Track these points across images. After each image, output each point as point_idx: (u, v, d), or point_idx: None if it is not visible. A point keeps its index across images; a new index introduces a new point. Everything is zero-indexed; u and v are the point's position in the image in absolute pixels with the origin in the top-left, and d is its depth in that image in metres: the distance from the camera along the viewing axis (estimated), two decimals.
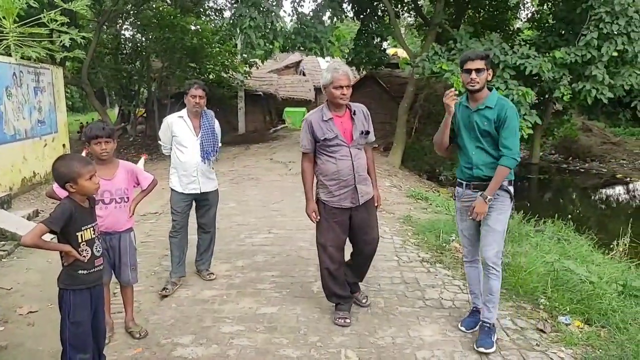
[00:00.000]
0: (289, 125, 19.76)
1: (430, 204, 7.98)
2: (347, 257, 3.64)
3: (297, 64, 25.39)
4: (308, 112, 3.77)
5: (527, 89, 9.65)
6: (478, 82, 2.97)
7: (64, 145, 9.05)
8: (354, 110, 3.38)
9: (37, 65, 8.24)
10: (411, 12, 16.64)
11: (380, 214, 6.59)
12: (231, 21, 10.72)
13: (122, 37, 17.71)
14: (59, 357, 2.47)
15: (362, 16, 14.77)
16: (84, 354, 2.40)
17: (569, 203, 12.65)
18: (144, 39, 17.19)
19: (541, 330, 3.31)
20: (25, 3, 8.18)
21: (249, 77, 17.81)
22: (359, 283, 3.80)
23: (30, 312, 3.58)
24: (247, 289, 4.03)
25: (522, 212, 6.57)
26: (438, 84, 13.20)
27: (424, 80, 11.96)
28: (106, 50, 16.32)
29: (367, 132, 3.41)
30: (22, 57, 7.73)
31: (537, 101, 11.30)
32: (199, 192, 4.00)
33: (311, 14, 12.11)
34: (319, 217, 3.42)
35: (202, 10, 15.97)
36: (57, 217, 2.28)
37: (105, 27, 14.81)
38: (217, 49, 16.54)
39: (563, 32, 11.61)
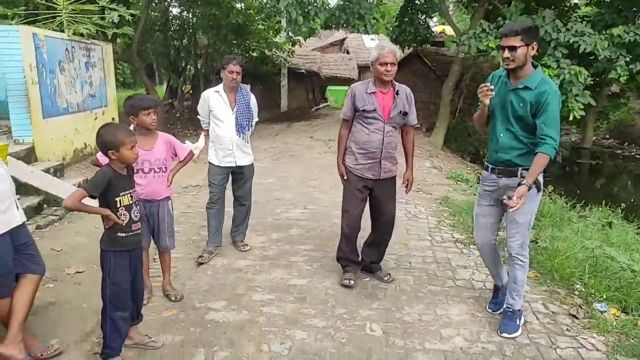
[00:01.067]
0: (331, 103, 19.65)
1: (471, 186, 7.81)
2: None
3: (342, 41, 25.09)
4: None
5: (580, 68, 9.16)
6: (513, 61, 2.74)
7: (113, 118, 9.41)
8: (398, 90, 3.50)
9: (88, 41, 8.56)
10: None
11: (417, 194, 6.57)
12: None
13: (170, 14, 18.04)
14: (100, 313, 2.64)
15: None
16: (123, 312, 2.56)
17: (622, 190, 12.05)
18: (190, 15, 17.45)
19: (574, 316, 3.25)
20: None
21: (292, 55, 17.80)
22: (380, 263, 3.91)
23: (77, 272, 3.84)
24: (280, 261, 4.14)
25: (567, 197, 6.36)
26: (485, 63, 12.74)
27: (470, 58, 11.55)
28: (155, 27, 16.68)
29: (406, 113, 3.52)
30: (74, 34, 8.05)
31: (591, 82, 10.68)
32: (235, 165, 4.10)
33: None
34: (346, 178, 3.60)
35: None
36: (97, 182, 2.43)
37: (154, 4, 15.12)
38: (262, 26, 16.56)
39: (622, 8, 10.88)
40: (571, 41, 9.45)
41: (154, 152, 3.16)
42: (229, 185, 4.29)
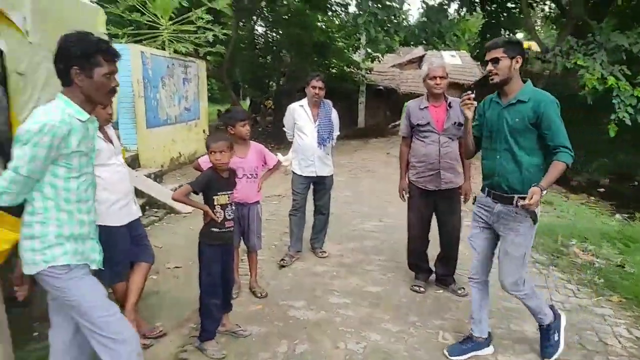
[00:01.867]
0: None
1: (555, 209, 7.56)
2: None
3: (420, 58, 25.01)
4: None
5: None
6: (496, 74, 2.63)
7: (204, 130, 10.19)
8: (450, 102, 3.65)
9: (186, 58, 9.39)
10: (547, 2, 15.48)
11: None
12: (355, 16, 11.08)
13: (256, 33, 19.11)
14: (195, 303, 3.00)
15: (488, 8, 14.15)
16: (214, 299, 2.89)
17: None
18: (275, 34, 18.37)
19: None
20: (179, 3, 9.37)
21: (370, 72, 18.10)
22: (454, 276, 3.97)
23: (176, 267, 4.29)
24: (356, 269, 4.34)
25: None
26: (573, 82, 12.21)
27: (557, 76, 11.15)
28: (242, 46, 17.75)
29: (461, 124, 3.60)
30: (174, 52, 8.89)
31: None
32: (316, 175, 4.38)
33: (435, 7, 11.95)
34: (407, 195, 3.81)
35: (328, 5, 16.56)
36: (199, 181, 2.82)
37: (242, 23, 16.14)
38: (342, 43, 17.05)
39: None
40: None
41: (247, 160, 3.50)
42: (310, 196, 4.58)
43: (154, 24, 9.37)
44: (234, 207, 2.99)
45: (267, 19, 17.72)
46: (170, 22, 9.44)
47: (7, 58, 2.27)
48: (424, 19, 12.21)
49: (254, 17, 17.72)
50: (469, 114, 2.79)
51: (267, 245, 4.80)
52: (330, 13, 17.25)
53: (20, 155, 1.79)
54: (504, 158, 2.70)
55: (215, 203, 2.86)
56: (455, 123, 3.62)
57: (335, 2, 16.58)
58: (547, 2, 15.47)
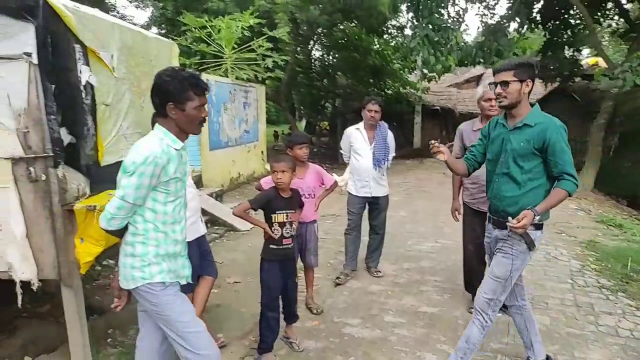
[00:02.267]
0: None
1: (625, 232, 7.15)
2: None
3: (478, 77, 24.59)
4: None
5: None
6: (505, 97, 2.55)
7: (262, 152, 10.56)
8: None
9: (246, 84, 9.84)
10: (614, 17, 14.82)
11: (559, 236, 6.28)
12: (410, 39, 11.16)
13: (313, 57, 19.62)
14: (255, 316, 3.16)
15: (550, 26, 13.71)
16: (273, 313, 3.03)
17: None
18: (331, 58, 18.78)
19: None
20: (241, 33, 9.90)
21: (426, 92, 18.02)
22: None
23: (236, 282, 4.48)
24: (411, 289, 4.35)
25: None
26: None
27: (624, 93, 10.61)
28: (299, 69, 18.28)
29: None
30: (236, 78, 9.35)
31: None
32: (371, 195, 4.46)
33: (493, 26, 11.79)
34: (460, 216, 3.80)
35: (384, 29, 16.74)
36: (258, 199, 3.01)
37: (299, 49, 16.66)
38: (398, 65, 17.14)
39: None
40: None
41: (305, 180, 3.64)
42: (365, 215, 4.65)
43: (218, 54, 9.93)
44: (293, 226, 3.12)
45: (323, 43, 18.18)
46: (233, 51, 9.97)
47: (97, 92, 2.56)
48: (482, 37, 12.07)
49: (311, 42, 18.24)
50: (442, 157, 2.75)
51: (323, 264, 4.90)
52: (385, 36, 17.44)
53: (127, 184, 1.98)
54: (501, 182, 2.65)
55: (274, 221, 3.01)
56: None
57: (390, 24, 16.77)
58: (615, 17, 14.83)
